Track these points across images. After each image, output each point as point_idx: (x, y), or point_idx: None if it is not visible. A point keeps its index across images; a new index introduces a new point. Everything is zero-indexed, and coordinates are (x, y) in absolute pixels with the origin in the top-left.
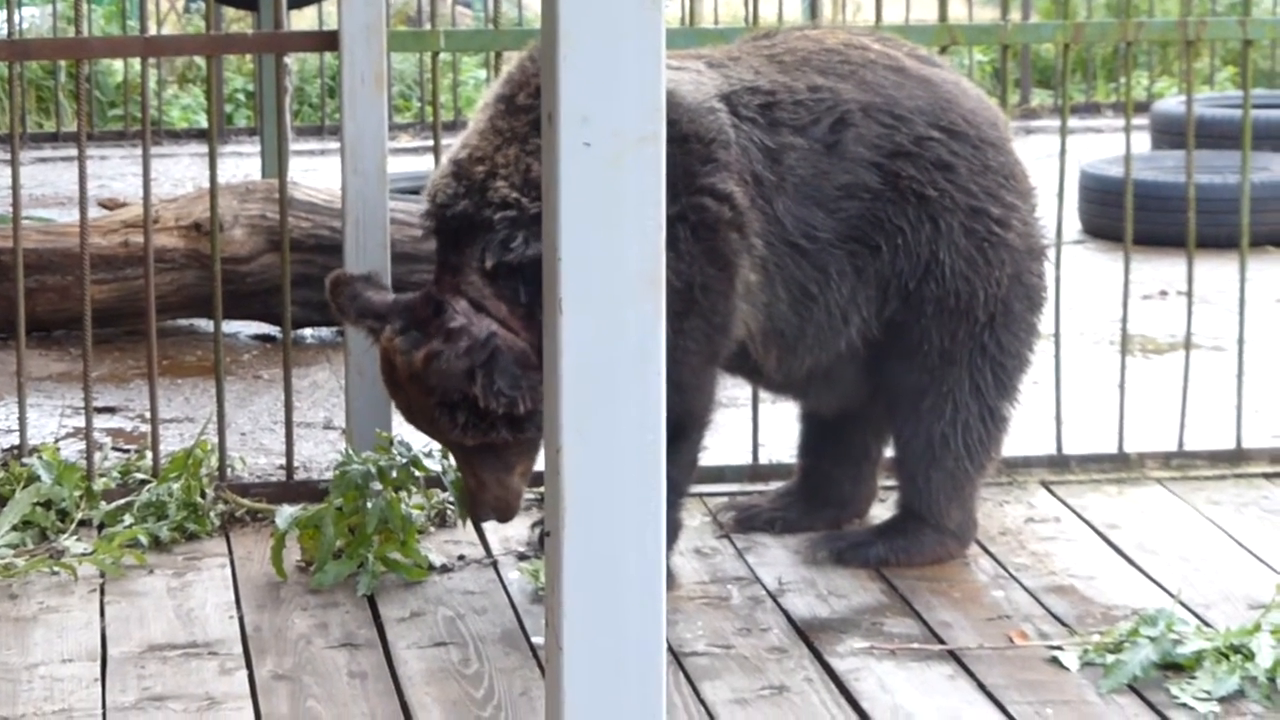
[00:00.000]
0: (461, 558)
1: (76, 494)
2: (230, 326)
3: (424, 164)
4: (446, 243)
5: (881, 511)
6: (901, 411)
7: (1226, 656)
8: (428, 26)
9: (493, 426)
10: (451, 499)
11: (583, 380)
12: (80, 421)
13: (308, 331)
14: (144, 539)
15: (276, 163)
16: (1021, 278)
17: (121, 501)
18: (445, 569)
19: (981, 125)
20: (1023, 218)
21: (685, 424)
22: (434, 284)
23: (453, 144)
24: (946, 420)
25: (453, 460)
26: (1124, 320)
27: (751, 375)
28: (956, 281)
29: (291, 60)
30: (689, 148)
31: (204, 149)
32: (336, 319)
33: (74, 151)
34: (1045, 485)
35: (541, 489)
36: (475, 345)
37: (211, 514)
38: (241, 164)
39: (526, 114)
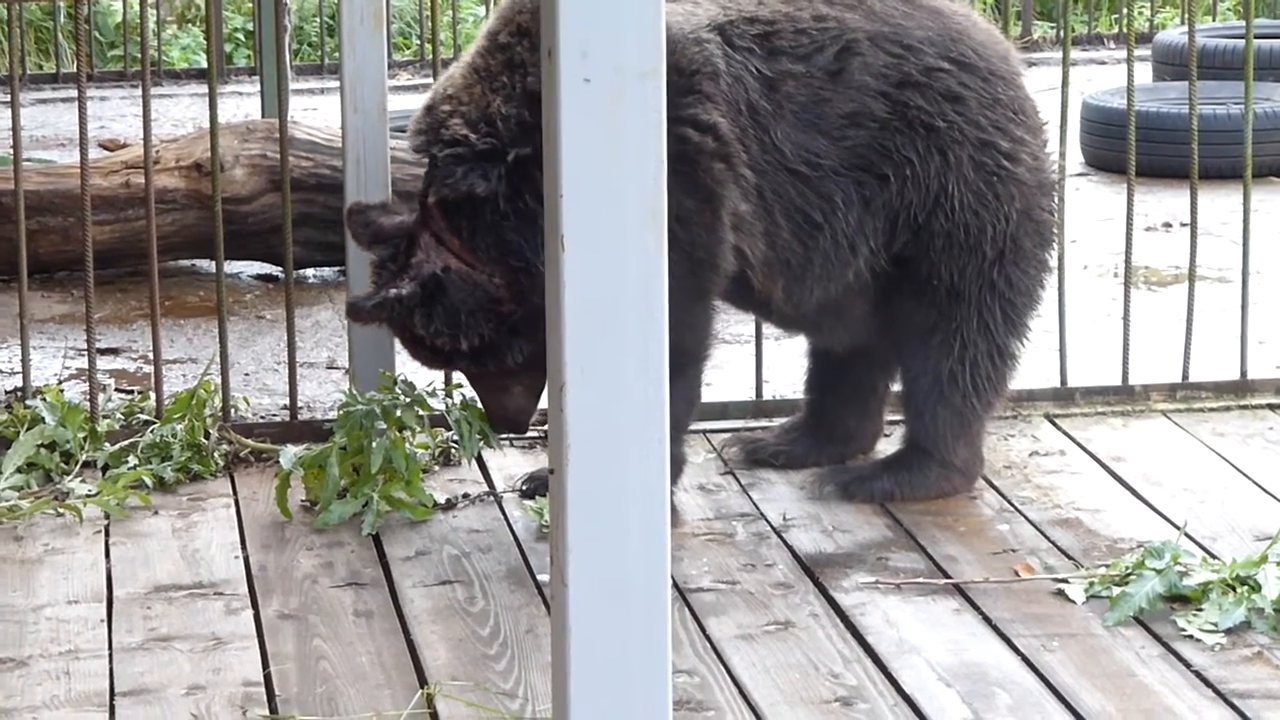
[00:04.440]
0: (466, 496)
1: (80, 436)
2: (232, 267)
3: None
4: (424, 177)
5: (887, 446)
6: (910, 348)
7: (1233, 588)
8: None
9: (449, 361)
10: (456, 437)
11: (585, 317)
12: (83, 363)
13: (310, 271)
14: (148, 480)
15: (277, 102)
16: (1031, 213)
17: (125, 443)
18: (450, 507)
19: (992, 58)
20: (1032, 152)
21: (678, 361)
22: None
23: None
24: (955, 357)
25: (456, 398)
26: (1128, 252)
27: (761, 309)
28: (965, 215)
29: None
30: (668, 79)
31: (204, 89)
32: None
33: (74, 93)
34: (1050, 418)
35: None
36: (416, 287)
37: (216, 454)
38: (242, 104)
39: (504, 52)
